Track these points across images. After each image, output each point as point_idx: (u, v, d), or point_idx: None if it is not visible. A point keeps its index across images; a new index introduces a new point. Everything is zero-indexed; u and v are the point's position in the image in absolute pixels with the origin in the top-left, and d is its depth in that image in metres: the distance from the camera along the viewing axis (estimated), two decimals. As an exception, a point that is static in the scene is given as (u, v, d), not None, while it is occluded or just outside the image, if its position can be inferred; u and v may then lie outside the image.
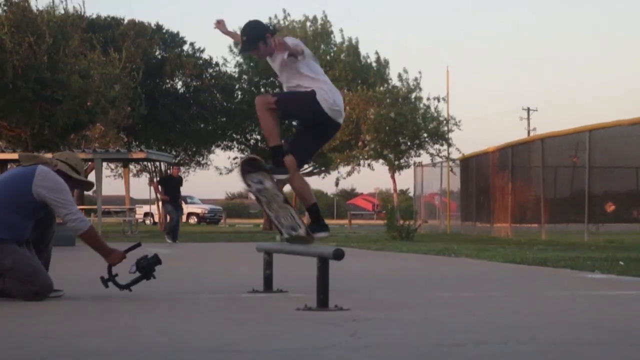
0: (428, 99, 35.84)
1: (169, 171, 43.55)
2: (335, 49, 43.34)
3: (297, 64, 7.56)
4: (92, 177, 38.20)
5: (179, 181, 25.32)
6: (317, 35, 43.77)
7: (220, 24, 8.25)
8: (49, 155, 8.24)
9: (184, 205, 61.03)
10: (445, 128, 35.28)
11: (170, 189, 24.96)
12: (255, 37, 7.74)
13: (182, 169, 45.90)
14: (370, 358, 4.54)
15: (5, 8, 26.52)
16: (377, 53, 44.01)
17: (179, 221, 25.14)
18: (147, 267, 7.60)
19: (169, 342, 5.08)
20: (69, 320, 6.22)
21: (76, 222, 7.38)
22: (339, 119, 7.70)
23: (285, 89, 7.81)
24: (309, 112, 7.63)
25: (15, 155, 31.81)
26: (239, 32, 8.35)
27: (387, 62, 43.15)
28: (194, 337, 5.35)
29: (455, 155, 35.57)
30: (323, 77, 7.71)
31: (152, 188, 46.12)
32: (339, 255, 6.64)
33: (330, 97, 7.59)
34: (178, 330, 5.64)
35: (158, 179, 29.47)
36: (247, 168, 7.75)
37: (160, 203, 44.64)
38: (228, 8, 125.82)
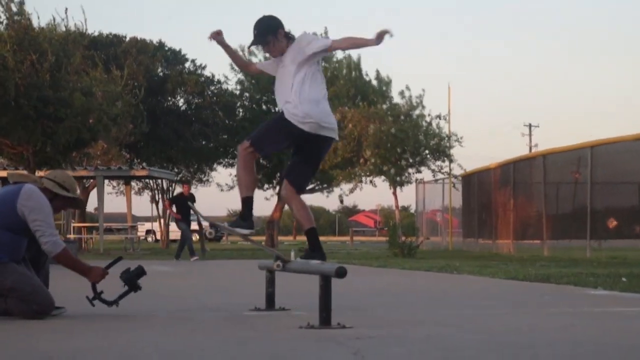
0: (429, 115, 35.81)
1: (170, 187, 43.75)
2: (337, 65, 43.36)
3: (303, 68, 7.43)
4: (94, 194, 38.23)
5: (190, 199, 25.27)
6: None
7: (218, 35, 8.12)
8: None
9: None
10: (447, 144, 35.24)
11: (182, 207, 24.89)
12: (265, 31, 7.60)
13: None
14: (373, 376, 4.53)
15: (7, 26, 26.56)
16: (377, 71, 43.87)
17: (190, 238, 25.02)
18: (130, 280, 7.56)
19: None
20: (71, 338, 6.21)
21: (47, 245, 7.33)
22: (320, 131, 7.41)
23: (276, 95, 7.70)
24: (285, 137, 7.45)
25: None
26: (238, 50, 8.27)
27: (389, 80, 43.13)
28: (195, 356, 5.34)
29: (457, 171, 35.55)
30: (303, 88, 7.43)
31: (153, 205, 46.25)
32: (341, 273, 6.63)
33: (300, 111, 7.35)
34: (180, 350, 5.63)
35: (169, 198, 29.15)
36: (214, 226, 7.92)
37: (162, 220, 44.79)
38: (230, 26, 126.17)
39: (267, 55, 7.94)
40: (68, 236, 34.91)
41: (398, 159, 34.73)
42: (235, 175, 42.61)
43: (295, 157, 7.67)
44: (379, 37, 7.23)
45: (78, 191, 7.90)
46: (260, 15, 7.73)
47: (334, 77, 42.50)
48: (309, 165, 7.70)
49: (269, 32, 7.57)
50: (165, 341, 6.07)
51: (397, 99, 38.47)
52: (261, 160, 44.72)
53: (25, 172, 24.22)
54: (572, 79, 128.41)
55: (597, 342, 5.90)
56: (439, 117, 35.67)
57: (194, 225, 64.16)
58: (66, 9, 27.59)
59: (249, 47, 7.83)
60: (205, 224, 27.14)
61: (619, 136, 23.04)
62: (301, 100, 7.37)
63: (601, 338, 6.14)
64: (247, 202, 7.48)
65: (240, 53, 8.18)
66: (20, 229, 7.36)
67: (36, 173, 28.91)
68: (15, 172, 7.89)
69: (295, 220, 8.35)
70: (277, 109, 33.17)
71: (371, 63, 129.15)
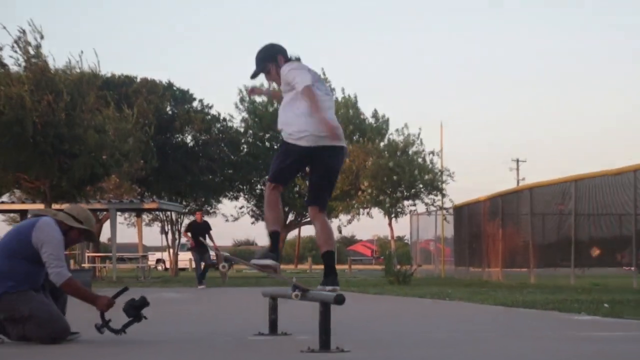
0: (423, 151, 35.98)
1: (178, 219, 43.69)
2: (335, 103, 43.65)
3: (289, 94, 7.15)
4: (107, 226, 38.19)
5: (204, 226, 24.95)
6: None
7: (253, 91, 8.01)
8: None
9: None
10: (440, 180, 35.41)
11: (195, 234, 24.63)
12: (263, 58, 7.32)
13: (192, 217, 45.92)
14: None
15: (25, 68, 26.66)
16: (375, 111, 44.06)
17: (200, 266, 24.54)
18: (136, 309, 7.52)
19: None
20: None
21: (53, 276, 7.33)
22: (320, 142, 7.06)
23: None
24: (292, 159, 7.19)
25: (35, 206, 31.91)
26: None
27: (386, 120, 43.26)
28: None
29: (448, 204, 35.69)
30: (293, 106, 7.12)
31: (163, 236, 46.18)
32: (340, 300, 6.65)
33: (292, 129, 7.09)
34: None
35: (185, 227, 28.67)
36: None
37: (171, 250, 44.75)
38: (237, 67, 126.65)
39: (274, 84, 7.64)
40: (83, 265, 34.93)
41: (393, 191, 34.84)
42: (249, 199, 42.48)
43: (310, 177, 7.44)
44: (329, 130, 6.98)
45: (94, 223, 7.92)
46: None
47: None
48: (323, 180, 7.34)
49: (268, 59, 7.31)
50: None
51: (394, 136, 38.70)
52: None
53: (43, 207, 24.33)
54: (558, 118, 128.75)
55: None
56: (432, 153, 35.91)
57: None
58: (81, 52, 27.69)
59: (251, 78, 7.57)
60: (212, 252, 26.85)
61: (603, 170, 23.08)
62: (290, 118, 7.13)
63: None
64: (274, 236, 7.37)
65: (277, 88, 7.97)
66: (36, 260, 7.39)
67: (52, 206, 28.94)
68: (35, 208, 7.98)
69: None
70: (278, 145, 33.53)
71: (368, 100, 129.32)
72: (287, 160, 7.21)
